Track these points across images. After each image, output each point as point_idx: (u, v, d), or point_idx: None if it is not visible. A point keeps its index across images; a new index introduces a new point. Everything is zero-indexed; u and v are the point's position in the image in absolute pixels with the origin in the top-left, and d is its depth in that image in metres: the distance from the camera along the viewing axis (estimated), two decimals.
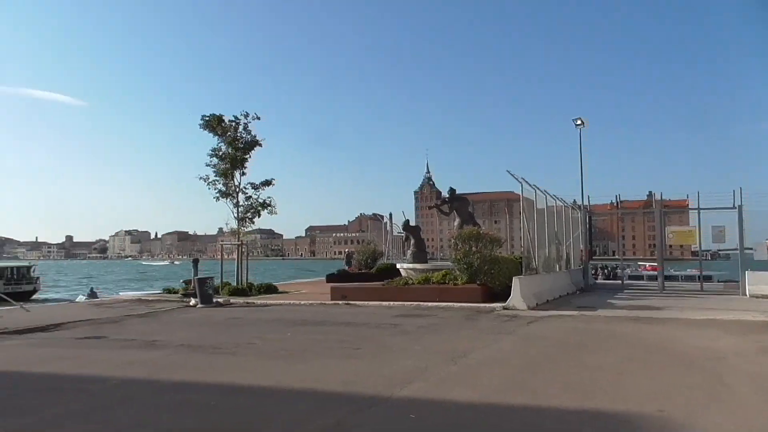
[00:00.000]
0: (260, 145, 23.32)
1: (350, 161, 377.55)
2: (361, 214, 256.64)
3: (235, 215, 23.42)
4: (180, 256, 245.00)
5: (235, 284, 22.82)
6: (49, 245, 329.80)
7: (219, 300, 19.19)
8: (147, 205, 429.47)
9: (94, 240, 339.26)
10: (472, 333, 11.91)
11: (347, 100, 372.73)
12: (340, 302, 18.21)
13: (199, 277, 19.09)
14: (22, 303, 20.85)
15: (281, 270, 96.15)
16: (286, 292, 23.08)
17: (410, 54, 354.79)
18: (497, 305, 16.25)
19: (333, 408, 6.33)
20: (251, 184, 23.24)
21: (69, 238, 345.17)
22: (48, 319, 14.97)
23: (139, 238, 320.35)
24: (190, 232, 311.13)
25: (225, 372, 8.23)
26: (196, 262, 21.85)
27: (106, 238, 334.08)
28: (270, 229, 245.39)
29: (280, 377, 7.82)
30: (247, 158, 23.04)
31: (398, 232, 30.64)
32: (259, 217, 23.25)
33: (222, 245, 25.41)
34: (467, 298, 17.12)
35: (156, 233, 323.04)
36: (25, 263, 61.76)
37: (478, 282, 17.69)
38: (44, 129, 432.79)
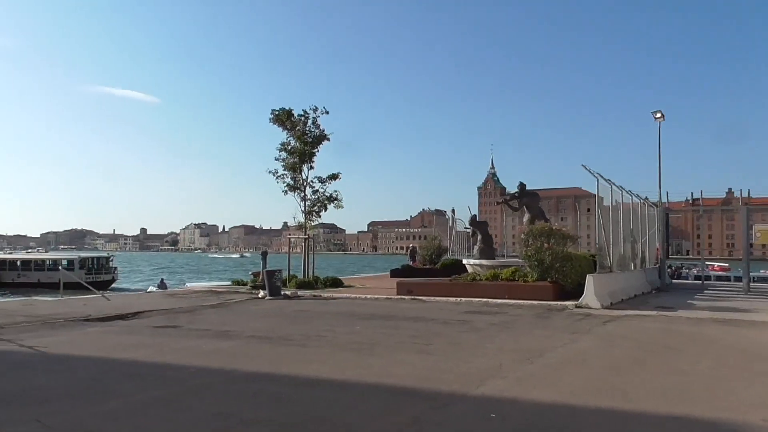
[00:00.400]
0: (328, 139, 23.46)
1: (413, 157, 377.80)
2: (423, 209, 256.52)
3: (302, 209, 23.65)
4: (246, 249, 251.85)
5: (301, 277, 23.05)
6: (125, 237, 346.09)
7: (287, 292, 19.40)
8: (215, 199, 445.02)
9: (165, 233, 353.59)
10: (545, 331, 11.51)
11: (410, 93, 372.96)
12: (406, 297, 18.08)
13: (267, 269, 19.36)
14: (102, 292, 21.79)
15: (344, 264, 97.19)
16: (352, 286, 23.13)
17: (474, 50, 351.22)
18: (569, 303, 15.72)
19: (408, 404, 6.17)
20: (318, 177, 23.43)
21: (143, 230, 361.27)
22: (126, 308, 15.51)
23: (207, 231, 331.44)
24: (256, 226, 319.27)
25: (296, 364, 8.20)
26: (264, 254, 22.21)
27: (177, 231, 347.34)
28: (332, 224, 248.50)
29: (352, 371, 7.73)
30: (315, 152, 23.22)
31: (464, 228, 30.22)
32: (325, 210, 23.41)
33: (289, 238, 25.71)
34: (537, 296, 16.64)
35: (224, 227, 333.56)
36: (104, 254, 64.95)
37: (549, 279, 17.17)
38: (121, 125, 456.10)
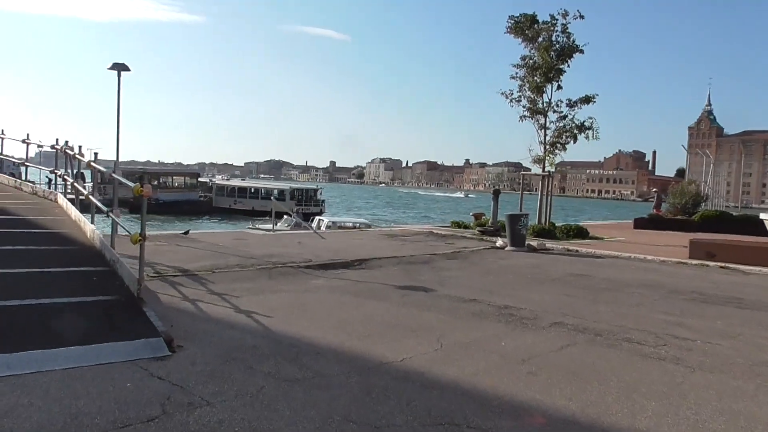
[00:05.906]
0: (581, 51, 18.39)
1: (610, 90, 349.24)
2: (619, 150, 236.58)
3: (541, 139, 19.12)
4: (428, 185, 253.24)
5: (535, 223, 18.90)
6: (316, 169, 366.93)
7: (532, 243, 15.40)
8: (399, 134, 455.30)
9: (352, 166, 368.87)
10: None
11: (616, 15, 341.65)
12: (710, 263, 13.07)
13: (511, 213, 15.41)
14: (315, 228, 19.64)
15: (534, 206, 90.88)
16: (599, 238, 18.52)
17: None
18: None
19: None
20: (567, 100, 18.61)
21: (332, 163, 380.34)
22: (345, 251, 12.66)
23: (392, 165, 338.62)
24: (438, 162, 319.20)
25: (744, 418, 4.10)
26: (496, 193, 18.28)
27: (363, 165, 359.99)
28: (518, 162, 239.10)
29: None
30: (563, 68, 18.36)
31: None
32: (574, 142, 18.61)
33: (522, 176, 21.49)
34: None
35: (407, 162, 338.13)
36: (313, 186, 66.81)
37: None
38: (315, 63, 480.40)
